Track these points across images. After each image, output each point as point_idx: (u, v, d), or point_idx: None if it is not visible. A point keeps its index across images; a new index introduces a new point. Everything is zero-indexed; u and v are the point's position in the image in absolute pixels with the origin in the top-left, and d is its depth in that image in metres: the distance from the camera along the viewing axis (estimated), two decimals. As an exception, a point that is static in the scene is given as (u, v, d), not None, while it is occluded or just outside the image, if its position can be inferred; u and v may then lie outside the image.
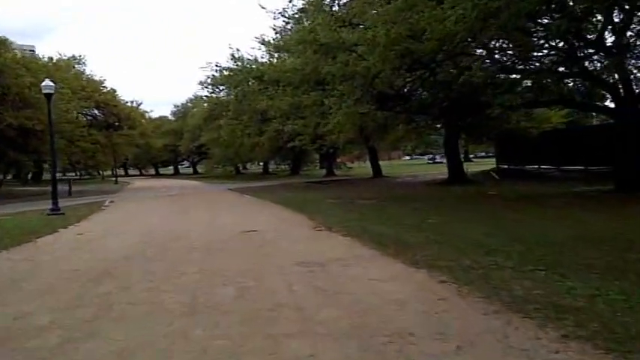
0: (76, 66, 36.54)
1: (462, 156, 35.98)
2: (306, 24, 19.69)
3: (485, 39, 14.41)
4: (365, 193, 22.75)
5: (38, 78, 18.78)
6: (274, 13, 22.65)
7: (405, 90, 21.01)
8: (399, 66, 15.16)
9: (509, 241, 8.52)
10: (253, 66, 26.98)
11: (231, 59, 28.20)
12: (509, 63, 17.80)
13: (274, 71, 23.45)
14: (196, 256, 8.58)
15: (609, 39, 16.57)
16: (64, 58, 35.50)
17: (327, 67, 16.83)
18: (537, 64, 17.41)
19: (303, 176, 50.08)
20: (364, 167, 55.69)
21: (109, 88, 38.22)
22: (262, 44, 27.16)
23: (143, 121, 47.00)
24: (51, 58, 34.30)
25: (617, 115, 17.73)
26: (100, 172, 63.10)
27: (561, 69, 17.56)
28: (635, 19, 15.93)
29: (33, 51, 36.64)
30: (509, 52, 17.78)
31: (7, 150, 27.64)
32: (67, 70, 33.54)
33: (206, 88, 33.87)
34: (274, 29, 25.39)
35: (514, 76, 17.97)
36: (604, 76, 17.60)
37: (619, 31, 16.05)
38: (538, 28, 16.15)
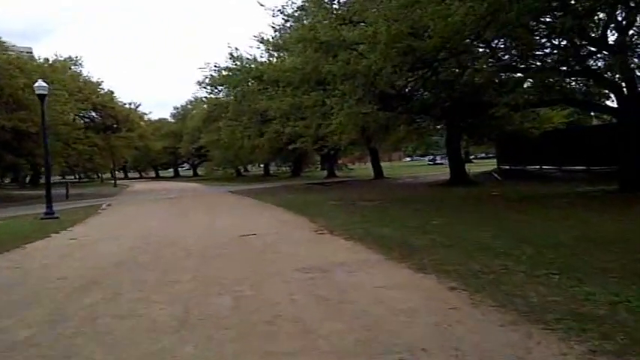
0: (72, 67, 36.06)
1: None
2: (305, 22, 19.32)
3: (490, 35, 14.00)
4: (367, 194, 22.37)
5: (32, 79, 18.40)
6: (273, 10, 22.28)
7: (407, 90, 20.68)
8: (400, 64, 14.78)
9: (516, 243, 8.15)
10: (252, 65, 26.58)
11: (230, 58, 27.85)
12: (512, 62, 17.46)
13: (274, 71, 23.07)
14: (192, 263, 8.17)
15: (612, 37, 16.30)
16: (61, 59, 35.09)
17: (328, 66, 16.48)
18: (539, 63, 17.06)
19: (304, 178, 49.75)
20: (365, 168, 55.36)
21: (106, 90, 37.85)
22: (261, 43, 26.71)
23: (142, 123, 46.54)
24: (47, 60, 33.88)
25: (620, 114, 17.39)
26: (99, 175, 62.71)
27: (563, 68, 17.19)
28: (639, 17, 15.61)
29: (30, 53, 36.22)
30: (512, 51, 17.46)
31: (3, 153, 27.26)
32: (63, 71, 33.05)
33: (204, 88, 33.48)
34: (273, 27, 25.01)
35: (518, 75, 17.60)
36: (607, 75, 17.24)
37: (623, 29, 15.73)
38: (540, 26, 15.83)
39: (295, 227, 12.32)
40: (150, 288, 6.46)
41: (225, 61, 29.91)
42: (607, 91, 19.67)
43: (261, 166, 68.69)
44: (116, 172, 64.40)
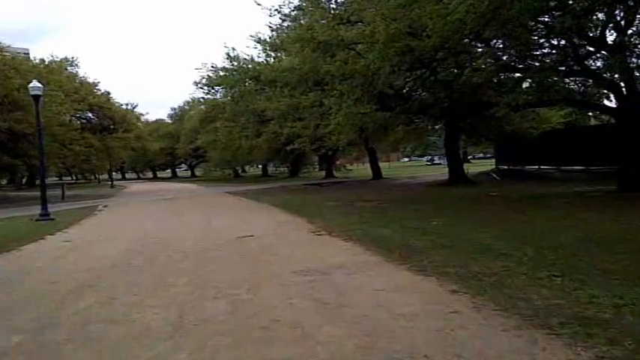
0: (68, 68, 35.88)
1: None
2: (303, 22, 19.18)
3: (490, 35, 13.88)
4: (365, 195, 22.21)
5: (28, 80, 18.22)
6: (270, 10, 22.13)
7: (405, 90, 20.58)
8: (398, 63, 14.66)
9: (517, 244, 8.04)
10: (249, 66, 26.41)
11: (227, 59, 27.67)
12: (511, 62, 17.35)
13: (271, 71, 22.93)
14: (187, 265, 8.02)
15: (610, 37, 16.20)
16: (57, 59, 34.89)
17: (326, 66, 16.35)
18: (537, 63, 16.95)
19: (302, 178, 49.62)
20: (363, 169, 55.25)
21: (103, 91, 37.60)
22: (258, 43, 26.53)
23: (139, 124, 46.34)
24: (43, 60, 33.69)
25: (620, 114, 17.28)
26: (96, 175, 62.48)
27: (562, 68, 17.09)
28: (638, 16, 15.51)
29: (27, 54, 35.98)
30: (511, 50, 17.33)
31: (-1, 154, 27.09)
32: (59, 72, 32.80)
33: (201, 88, 33.21)
34: (270, 27, 24.82)
35: (517, 75, 17.49)
36: (607, 75, 17.14)
37: (621, 29, 15.63)
38: (539, 26, 15.72)
39: (293, 228, 12.18)
40: (144, 291, 6.31)
41: (222, 62, 29.74)
42: (606, 91, 19.58)
43: (259, 166, 68.55)
44: (113, 173, 64.19)
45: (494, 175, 31.49)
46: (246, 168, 76.89)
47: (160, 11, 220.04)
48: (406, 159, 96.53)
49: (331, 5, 19.14)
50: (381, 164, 44.40)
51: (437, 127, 32.26)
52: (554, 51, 16.77)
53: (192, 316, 5.13)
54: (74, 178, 73.80)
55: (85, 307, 5.74)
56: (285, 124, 28.10)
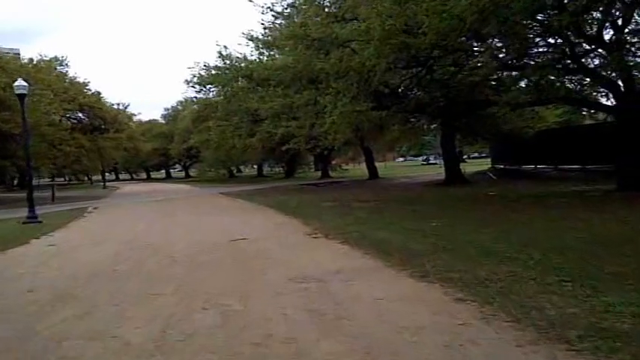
0: (58, 67, 35.29)
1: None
2: (296, 20, 18.79)
3: (489, 32, 13.51)
4: (362, 195, 21.87)
5: (15, 79, 17.76)
6: (262, 7, 21.69)
7: (401, 90, 20.23)
8: (394, 61, 14.28)
9: (520, 246, 7.69)
10: (242, 64, 25.92)
11: (219, 57, 27.14)
12: (509, 60, 17.02)
13: (264, 69, 22.46)
14: (176, 271, 7.60)
15: (606, 35, 15.90)
16: (46, 59, 34.32)
17: (320, 64, 15.94)
18: (532, 62, 16.64)
19: (297, 178, 49.26)
20: (359, 169, 54.94)
21: (93, 91, 37.01)
22: (250, 40, 25.92)
23: (130, 123, 45.74)
24: (31, 60, 33.12)
25: (618, 113, 16.99)
26: (89, 176, 61.85)
27: (559, 66, 16.79)
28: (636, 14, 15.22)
29: (18, 54, 35.38)
30: (509, 48, 17.02)
31: (-13, 155, 26.55)
32: (48, 71, 32.27)
33: (192, 87, 32.51)
34: (262, 24, 24.34)
35: (514, 73, 17.14)
36: (606, 73, 16.85)
37: (619, 26, 15.35)
38: (535, 24, 15.41)
39: (288, 231, 11.79)
40: (128, 302, 5.89)
41: (215, 60, 29.20)
42: (603, 90, 19.29)
43: (254, 167, 68.10)
44: (106, 174, 63.61)
45: (490, 175, 31.24)
46: (241, 168, 76.38)
47: (153, 12, 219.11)
48: (401, 159, 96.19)
49: (325, 3, 18.77)
50: (376, 164, 44.06)
51: (433, 126, 31.99)
52: (550, 49, 16.48)
53: (178, 330, 4.72)
54: (67, 179, 73.12)
55: (62, 319, 5.31)
56: (280, 123, 27.67)
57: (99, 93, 38.09)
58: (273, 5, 21.30)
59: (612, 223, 9.70)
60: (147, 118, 76.13)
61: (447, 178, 27.80)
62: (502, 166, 32.87)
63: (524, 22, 13.96)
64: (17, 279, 7.71)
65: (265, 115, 27.85)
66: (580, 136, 24.58)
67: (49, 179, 61.32)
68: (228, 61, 26.98)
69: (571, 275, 5.75)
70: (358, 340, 4.22)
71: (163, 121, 75.39)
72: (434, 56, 15.33)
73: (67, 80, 35.20)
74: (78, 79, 36.72)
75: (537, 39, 16.23)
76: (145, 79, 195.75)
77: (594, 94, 20.12)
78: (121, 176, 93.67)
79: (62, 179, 72.71)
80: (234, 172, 70.81)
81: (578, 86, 19.42)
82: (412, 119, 27.30)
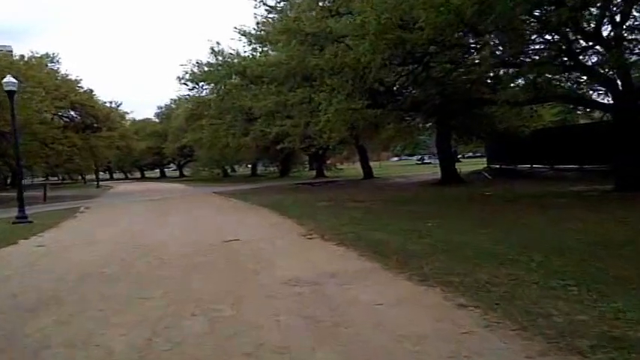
0: (49, 64, 34.80)
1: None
2: (289, 14, 18.52)
3: (486, 27, 13.30)
4: (357, 195, 21.64)
5: (4, 76, 17.42)
6: (255, 0, 21.38)
7: (396, 87, 20.01)
8: (390, 57, 14.03)
9: (521, 248, 7.46)
10: (235, 60, 25.62)
11: (212, 53, 26.78)
12: (506, 57, 16.84)
13: (257, 65, 22.17)
14: (167, 274, 7.32)
15: (605, 32, 15.71)
16: (37, 56, 33.87)
17: (315, 60, 15.67)
18: (528, 59, 16.45)
19: (292, 178, 48.98)
20: (354, 168, 54.70)
21: (85, 88, 36.52)
22: (243, 35, 25.57)
23: (123, 122, 45.22)
24: (22, 56, 32.65)
25: (616, 111, 16.81)
26: (83, 176, 61.31)
27: (555, 64, 16.60)
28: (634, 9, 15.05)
29: (10, 51, 34.86)
30: (502, 46, 16.84)
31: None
32: (39, 68, 31.82)
33: (184, 84, 32.12)
34: (255, 17, 24.01)
35: (511, 70, 16.93)
36: (604, 71, 16.66)
37: (617, 23, 15.17)
38: (532, 20, 15.22)
39: (282, 231, 11.54)
40: (114, 307, 5.62)
41: (207, 57, 28.81)
42: (599, 88, 19.13)
43: (249, 166, 67.76)
44: (100, 173, 63.08)
45: (486, 175, 31.05)
46: (236, 167, 75.99)
47: (148, 10, 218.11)
48: (396, 158, 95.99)
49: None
50: (371, 163, 43.81)
51: (428, 125, 31.79)
52: (546, 46, 16.29)
53: (164, 338, 4.46)
54: (60, 178, 72.54)
55: (44, 326, 5.04)
56: (274, 122, 27.37)
57: (91, 91, 37.61)
58: (265, -1, 21.08)
59: (612, 223, 9.51)
60: (142, 117, 75.77)
61: (442, 178, 27.62)
62: (498, 166, 32.68)
63: (522, 17, 13.77)
64: (2, 281, 7.42)
65: (259, 114, 27.55)
66: (576, 135, 24.43)
67: (43, 178, 60.84)
68: (220, 58, 26.71)
69: (575, 279, 5.54)
70: (356, 349, 3.98)
71: (157, 120, 74.86)
72: (430, 52, 15.11)
73: (58, 77, 34.69)
74: (70, 77, 36.27)
75: (534, 36, 16.04)
76: (141, 78, 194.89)
77: (590, 92, 20.01)
78: (114, 175, 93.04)
79: (56, 178, 72.19)
80: (229, 171, 70.44)
81: (575, 84, 19.28)
82: (407, 118, 27.10)
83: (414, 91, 20.28)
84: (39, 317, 5.35)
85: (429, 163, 62.57)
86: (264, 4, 20.77)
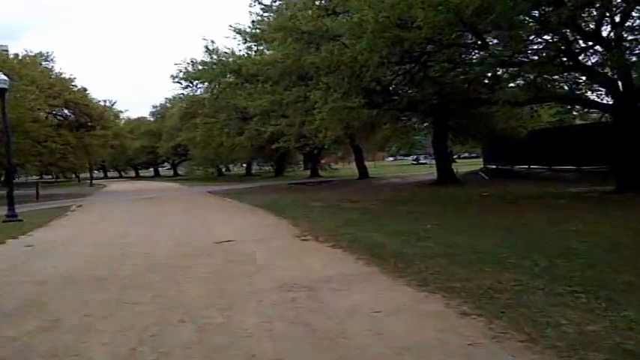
0: (43, 63, 34.45)
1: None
2: (285, 13, 18.26)
3: (487, 27, 13.08)
4: (352, 195, 21.37)
5: (-1, 74, 17.16)
6: None
7: (392, 87, 19.77)
8: (388, 55, 13.79)
9: (524, 251, 7.22)
10: (230, 59, 25.30)
11: (206, 52, 26.43)
12: (505, 57, 16.64)
13: (252, 64, 21.89)
14: (156, 277, 7.04)
15: (604, 32, 15.53)
16: (31, 54, 33.55)
17: (311, 58, 15.41)
18: (526, 59, 16.24)
19: (286, 177, 48.70)
20: (349, 168, 54.48)
21: (79, 87, 36.21)
22: (238, 33, 25.23)
23: (117, 121, 44.84)
24: (16, 55, 32.34)
25: (616, 111, 16.61)
26: (77, 174, 60.93)
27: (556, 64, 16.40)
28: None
29: (6, 51, 34.49)
30: (506, 45, 16.62)
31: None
32: (33, 67, 31.55)
33: (178, 83, 31.67)
34: (250, 14, 23.75)
35: (511, 70, 16.70)
36: (605, 71, 16.46)
37: (617, 23, 14.98)
38: (531, 21, 15.02)
39: (276, 232, 11.26)
40: (98, 312, 5.34)
41: (202, 55, 28.51)
42: (598, 89, 18.94)
43: (244, 165, 67.44)
44: (94, 172, 62.67)
45: (482, 175, 30.87)
46: (230, 167, 75.63)
47: (145, 8, 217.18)
48: (391, 158, 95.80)
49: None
50: (366, 163, 43.55)
51: (424, 125, 31.60)
52: (545, 46, 16.09)
53: (150, 347, 4.18)
54: (54, 176, 72.07)
55: (24, 332, 4.77)
56: (269, 121, 27.08)
57: (85, 89, 37.34)
58: (261, -3, 20.83)
59: (615, 226, 9.27)
60: (135, 116, 75.34)
61: (438, 178, 27.41)
62: (494, 167, 32.52)
63: (522, 16, 13.57)
64: (-15, 284, 7.14)
65: (254, 113, 27.25)
66: (574, 136, 24.23)
67: (38, 177, 60.47)
68: (215, 56, 26.37)
69: (582, 285, 5.31)
70: (354, 362, 3.73)
71: (152, 119, 74.44)
72: (428, 51, 14.86)
73: (52, 76, 34.39)
74: (64, 75, 35.95)
75: (532, 36, 15.83)
76: (142, 78, 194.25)
77: (588, 93, 19.82)
78: (109, 174, 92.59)
79: (50, 177, 71.74)
80: (223, 170, 70.11)
81: (574, 85, 19.10)
82: (403, 118, 26.90)
83: (410, 91, 20.05)
84: (21, 323, 5.07)
85: (425, 163, 62.49)
86: (259, 2, 20.55)
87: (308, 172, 51.30)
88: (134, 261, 8.41)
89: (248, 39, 25.07)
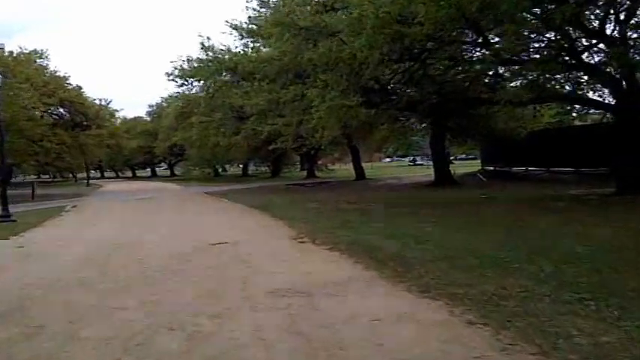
0: (37, 60, 34.13)
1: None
2: (282, 10, 18.02)
3: (489, 24, 12.86)
4: (349, 196, 21.15)
5: (-10, 71, 16.93)
6: None
7: (390, 87, 19.54)
8: (388, 53, 13.54)
9: (526, 255, 7.00)
10: (226, 56, 24.98)
11: (202, 49, 26.08)
12: (507, 55, 16.44)
13: (249, 62, 21.62)
14: (146, 280, 6.77)
15: (608, 31, 15.33)
16: (25, 52, 33.22)
17: (308, 54, 15.14)
18: (526, 57, 16.03)
19: (283, 178, 48.44)
20: (346, 169, 54.26)
21: (74, 85, 35.92)
22: (234, 29, 24.88)
23: (113, 120, 44.42)
24: (11, 52, 32.02)
25: (619, 112, 16.40)
26: (74, 174, 60.56)
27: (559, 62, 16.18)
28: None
29: (2, 49, 34.22)
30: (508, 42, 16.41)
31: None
32: (27, 64, 31.26)
33: (173, 80, 31.25)
34: (247, 10, 23.39)
35: (514, 68, 16.50)
36: (609, 70, 16.25)
37: (622, 20, 14.78)
38: (533, 18, 14.82)
39: (272, 234, 11.02)
40: (84, 318, 5.08)
41: (198, 53, 28.12)
42: (600, 88, 18.74)
43: (240, 166, 67.16)
44: (92, 172, 62.33)
45: (480, 176, 30.64)
46: (227, 167, 75.29)
47: (144, 7, 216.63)
48: (388, 159, 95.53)
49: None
50: (363, 164, 43.30)
51: (422, 125, 31.38)
52: (547, 45, 15.89)
53: (135, 358, 3.93)
54: (52, 176, 71.69)
55: (5, 339, 4.52)
56: (266, 121, 26.80)
57: (80, 87, 37.04)
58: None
59: (619, 229, 9.03)
60: (132, 115, 74.91)
61: (436, 180, 27.23)
62: (492, 168, 32.31)
63: (524, 14, 13.37)
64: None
65: (250, 113, 26.97)
66: (573, 137, 24.01)
67: (35, 177, 60.14)
68: (211, 53, 26.04)
69: (590, 291, 5.08)
70: (353, 376, 3.48)
71: (148, 119, 74.01)
72: (428, 49, 14.63)
73: (47, 74, 34.09)
74: (58, 73, 35.65)
75: (533, 35, 15.63)
76: (137, 77, 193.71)
77: (590, 93, 19.62)
78: (106, 174, 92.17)
79: (48, 177, 71.39)
80: (220, 171, 69.79)
81: (575, 84, 18.90)
82: (401, 118, 26.69)
83: (408, 90, 19.82)
84: (3, 330, 4.80)
85: (421, 164, 62.33)
86: (255, -2, 20.32)
87: (304, 173, 51.05)
88: (124, 263, 8.16)
89: (244, 35, 24.70)
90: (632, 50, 15.30)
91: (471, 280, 5.78)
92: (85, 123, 36.50)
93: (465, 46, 15.94)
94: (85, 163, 46.03)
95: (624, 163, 15.41)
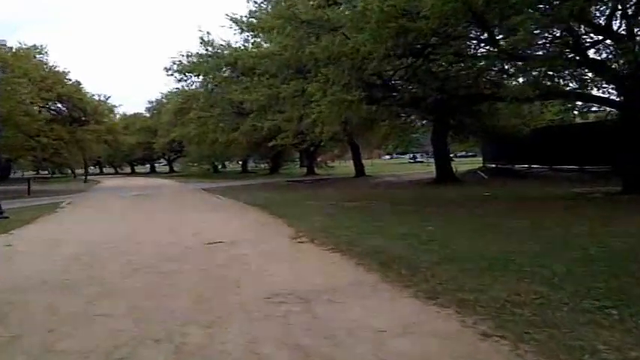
0: (37, 56, 33.70)
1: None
2: (284, 4, 17.63)
3: (495, 19, 12.48)
4: (350, 194, 20.82)
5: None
6: None
7: (392, 82, 19.14)
8: (393, 47, 13.15)
9: (536, 257, 6.65)
10: (226, 52, 24.61)
11: (201, 44, 25.68)
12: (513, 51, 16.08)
13: (249, 57, 21.24)
14: (135, 284, 6.36)
15: (615, 26, 14.95)
16: (25, 47, 32.82)
17: (310, 48, 14.75)
18: (531, 52, 15.67)
19: (282, 175, 48.15)
20: (345, 166, 53.96)
21: (73, 81, 35.51)
22: (234, 23, 24.40)
23: (111, 116, 43.98)
24: (10, 48, 31.61)
25: (625, 109, 16.04)
26: (72, 170, 60.22)
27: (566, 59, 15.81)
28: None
29: (4, 45, 33.84)
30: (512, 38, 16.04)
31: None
32: (27, 59, 30.86)
33: (172, 75, 30.80)
34: (248, 2, 23.01)
35: (520, 64, 16.12)
36: (615, 66, 15.88)
37: (630, 15, 14.40)
38: (539, 13, 14.44)
39: (270, 233, 10.62)
40: (65, 326, 4.69)
41: (197, 48, 27.76)
42: (604, 85, 18.36)
43: (239, 162, 66.84)
44: (90, 168, 62.08)
45: (481, 174, 30.30)
46: (226, 164, 74.99)
47: (148, 10, 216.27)
48: (388, 156, 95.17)
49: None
50: (363, 161, 42.96)
51: (424, 122, 31.05)
52: (550, 41, 15.51)
53: (116, 374, 3.57)
54: (50, 172, 71.40)
55: (-26, 352, 4.15)
56: (266, 117, 26.44)
57: (79, 83, 36.65)
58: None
59: (631, 230, 8.60)
60: (132, 111, 74.63)
61: (437, 177, 26.91)
62: (494, 165, 31.97)
63: (530, 9, 12.97)
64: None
65: (250, 109, 26.58)
66: (576, 135, 23.62)
67: (34, 172, 59.89)
68: (210, 48, 25.68)
69: (611, 298, 4.71)
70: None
71: (148, 115, 73.64)
72: (432, 44, 14.25)
73: (45, 69, 33.71)
74: (57, 68, 35.27)
75: (537, 31, 15.26)
76: (138, 76, 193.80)
77: (594, 90, 19.25)
78: (105, 170, 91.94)
79: (46, 172, 71.11)
80: (219, 167, 69.50)
81: (579, 81, 18.54)
82: (403, 115, 26.33)
83: (410, 86, 19.44)
84: (-30, 341, 4.43)
85: (421, 161, 62.08)
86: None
87: (304, 170, 50.73)
88: (115, 263, 7.78)
89: (244, 28, 24.27)
90: (639, 46, 14.97)
91: (482, 285, 5.41)
92: (83, 118, 36.11)
93: (469, 42, 15.55)
94: (83, 159, 45.66)
95: (629, 161, 15.09)
